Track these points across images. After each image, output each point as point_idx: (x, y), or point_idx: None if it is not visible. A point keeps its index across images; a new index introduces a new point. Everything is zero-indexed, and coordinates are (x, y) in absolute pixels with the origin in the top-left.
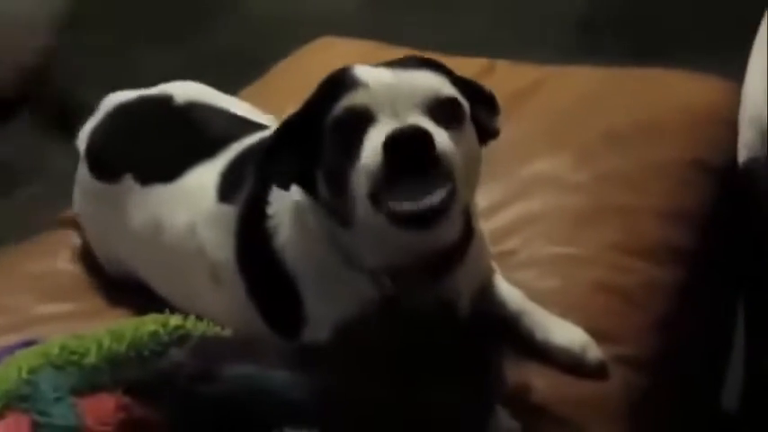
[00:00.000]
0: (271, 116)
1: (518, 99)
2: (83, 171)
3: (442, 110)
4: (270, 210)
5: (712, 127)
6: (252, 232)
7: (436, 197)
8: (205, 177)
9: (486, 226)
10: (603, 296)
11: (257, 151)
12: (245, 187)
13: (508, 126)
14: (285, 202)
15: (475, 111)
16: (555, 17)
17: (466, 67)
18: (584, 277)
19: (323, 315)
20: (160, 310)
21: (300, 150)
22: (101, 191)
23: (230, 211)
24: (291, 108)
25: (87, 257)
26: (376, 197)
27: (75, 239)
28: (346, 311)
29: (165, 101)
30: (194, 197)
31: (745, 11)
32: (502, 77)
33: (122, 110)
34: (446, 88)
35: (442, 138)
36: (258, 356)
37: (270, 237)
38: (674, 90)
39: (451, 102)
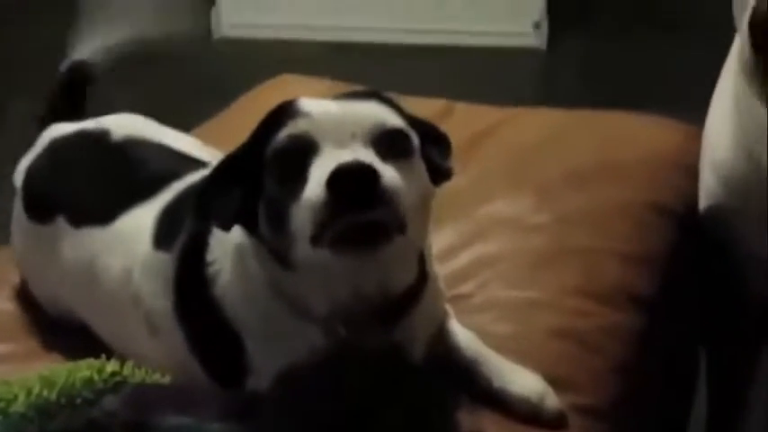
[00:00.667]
0: (218, 152)
1: (477, 140)
2: (18, 209)
3: (388, 141)
4: (209, 255)
5: (673, 171)
6: (190, 279)
7: (381, 217)
8: (140, 220)
9: (442, 269)
10: (560, 341)
11: (196, 191)
12: (182, 231)
13: (467, 167)
14: (226, 247)
15: (426, 150)
16: (514, 66)
17: (424, 107)
18: (542, 322)
19: (267, 365)
20: (99, 354)
21: (242, 186)
22: (35, 231)
23: (167, 258)
24: None
25: (25, 295)
26: (318, 234)
27: (13, 276)
28: (292, 361)
29: (102, 135)
30: (129, 242)
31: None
32: (461, 119)
33: (58, 145)
34: (392, 119)
35: (388, 172)
36: (196, 407)
37: (209, 284)
38: (635, 133)
39: (398, 133)
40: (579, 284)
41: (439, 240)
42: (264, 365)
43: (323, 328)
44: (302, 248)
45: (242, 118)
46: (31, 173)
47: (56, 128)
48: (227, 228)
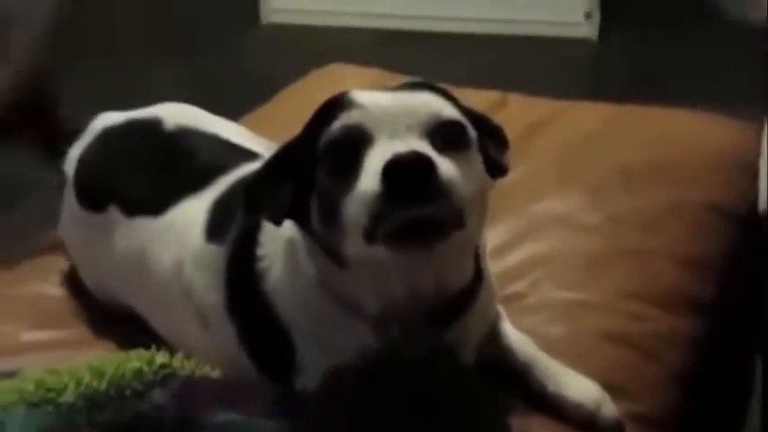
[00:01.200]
0: (268, 142)
1: (530, 134)
2: (70, 197)
3: (444, 133)
4: (260, 250)
5: (732, 170)
6: (241, 275)
7: (439, 212)
8: (192, 213)
9: (493, 267)
10: (614, 346)
11: (247, 184)
12: (234, 225)
13: (518, 162)
14: (277, 242)
15: (483, 143)
16: (565, 56)
17: (477, 99)
18: (595, 325)
19: (316, 363)
20: (148, 343)
21: (295, 179)
22: (87, 219)
23: (218, 252)
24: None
25: (76, 282)
26: (372, 228)
27: (63, 263)
28: (341, 360)
29: (154, 125)
30: (181, 234)
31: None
32: (514, 111)
33: (110, 134)
34: (448, 110)
35: (444, 164)
36: (244, 403)
37: (260, 279)
38: (691, 130)
39: (454, 124)
40: (634, 287)
41: (490, 237)
42: (313, 363)
43: (374, 327)
44: (355, 244)
45: (292, 107)
46: (82, 162)
47: (106, 116)
48: (278, 222)
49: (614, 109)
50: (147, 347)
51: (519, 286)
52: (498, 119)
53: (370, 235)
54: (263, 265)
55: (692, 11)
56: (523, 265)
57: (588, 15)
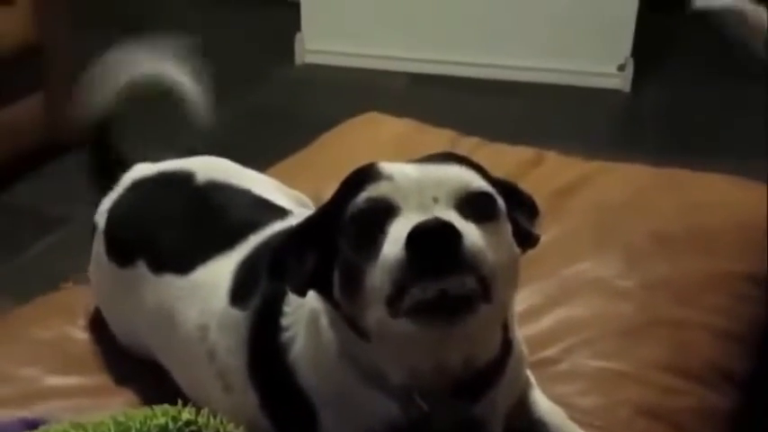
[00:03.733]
0: (300, 194)
1: (565, 194)
2: (99, 248)
3: (472, 205)
4: (284, 320)
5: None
6: (264, 343)
7: (467, 284)
8: (219, 274)
9: (524, 330)
10: (649, 420)
11: (271, 252)
12: (258, 290)
13: (553, 222)
14: (301, 312)
15: (512, 213)
16: (597, 107)
17: (513, 155)
18: (629, 398)
19: None
20: (172, 394)
21: (319, 249)
22: (115, 273)
23: (242, 317)
24: (331, 182)
25: (101, 325)
26: (396, 298)
27: (90, 304)
28: None
29: (185, 179)
30: (207, 296)
31: None
32: (549, 170)
33: (140, 186)
34: (476, 181)
35: (471, 233)
36: None
37: (283, 349)
38: (727, 196)
39: (483, 195)
40: (669, 359)
41: (524, 298)
42: None
43: (400, 400)
44: (377, 315)
45: (327, 155)
46: (112, 214)
47: (138, 168)
48: (302, 293)
49: (650, 171)
50: (171, 399)
51: (551, 352)
52: (533, 177)
53: (393, 306)
54: (286, 335)
55: (725, 64)
56: (556, 330)
57: (621, 68)
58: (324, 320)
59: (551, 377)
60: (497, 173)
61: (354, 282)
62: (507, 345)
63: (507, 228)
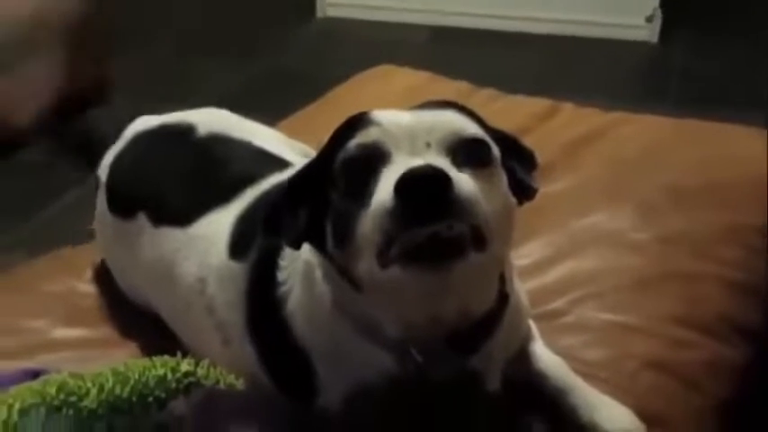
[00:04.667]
0: (306, 146)
1: (580, 146)
2: (101, 202)
3: (465, 151)
4: (281, 274)
5: None
6: (261, 298)
7: (455, 229)
8: (217, 226)
9: (533, 282)
10: (656, 373)
11: (267, 205)
12: (255, 244)
13: (565, 173)
14: (296, 266)
15: (508, 162)
16: (623, 59)
17: (529, 106)
18: (637, 350)
19: (336, 386)
20: (174, 346)
21: (311, 202)
22: (117, 224)
23: (240, 270)
24: None
25: (107, 278)
26: (387, 247)
27: (96, 256)
28: (363, 385)
29: (187, 131)
30: (205, 249)
31: None
32: (565, 121)
33: (142, 140)
34: (470, 128)
35: (463, 180)
36: (265, 421)
37: (280, 303)
38: (745, 149)
39: (476, 142)
40: (680, 312)
41: (532, 250)
42: (333, 387)
43: (394, 352)
44: (368, 264)
45: (337, 109)
46: (114, 168)
47: (141, 121)
48: (296, 246)
49: (669, 123)
50: (176, 351)
51: (558, 303)
52: (548, 128)
53: (383, 255)
54: (283, 289)
55: (755, 15)
56: (565, 282)
57: (649, 19)
58: (318, 273)
59: (557, 329)
60: (511, 124)
61: (346, 231)
62: (504, 297)
63: (502, 176)
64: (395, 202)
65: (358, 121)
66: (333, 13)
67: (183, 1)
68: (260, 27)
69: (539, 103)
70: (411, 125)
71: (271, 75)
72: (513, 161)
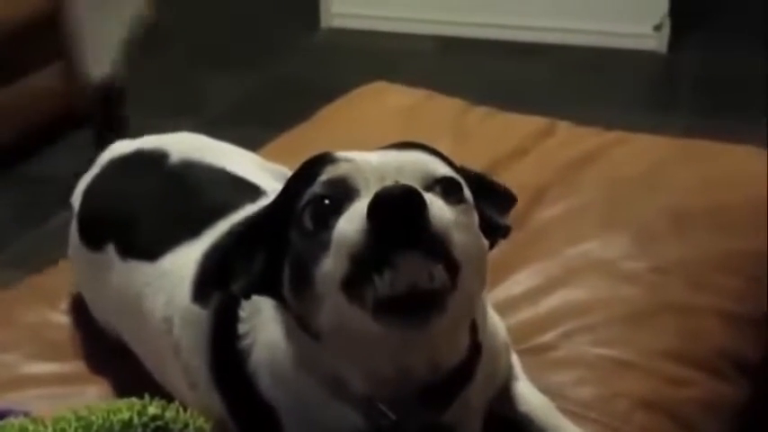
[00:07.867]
0: (285, 168)
1: (575, 166)
2: (74, 231)
3: (437, 189)
4: (241, 327)
5: None
6: (224, 350)
7: (437, 277)
8: (184, 263)
9: (522, 313)
10: (649, 413)
11: (218, 251)
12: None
13: (559, 198)
14: (257, 320)
15: (480, 205)
16: (632, 69)
17: (524, 125)
18: (630, 389)
19: None
20: (148, 384)
21: (270, 244)
22: (88, 255)
23: (204, 316)
24: None
25: (82, 308)
26: (353, 283)
27: (73, 287)
28: None
29: (159, 158)
30: (173, 286)
31: None
32: (561, 141)
33: (115, 166)
34: (441, 168)
35: (437, 204)
36: None
37: (243, 359)
38: (747, 171)
39: (448, 180)
40: (675, 347)
41: (522, 280)
42: None
43: (362, 409)
44: (333, 303)
45: (331, 127)
46: (86, 196)
47: (116, 146)
48: (246, 296)
49: (670, 143)
50: (148, 388)
51: (548, 337)
52: (544, 148)
53: (353, 290)
54: (244, 343)
55: (764, 22)
56: (556, 314)
57: (658, 28)
58: (279, 329)
59: (547, 364)
60: (507, 145)
61: (306, 273)
62: (476, 347)
63: (474, 217)
64: (367, 224)
65: (323, 160)
66: (338, 23)
67: (191, 14)
68: (265, 38)
69: (535, 122)
70: (380, 165)
71: (276, 85)
72: (484, 201)
